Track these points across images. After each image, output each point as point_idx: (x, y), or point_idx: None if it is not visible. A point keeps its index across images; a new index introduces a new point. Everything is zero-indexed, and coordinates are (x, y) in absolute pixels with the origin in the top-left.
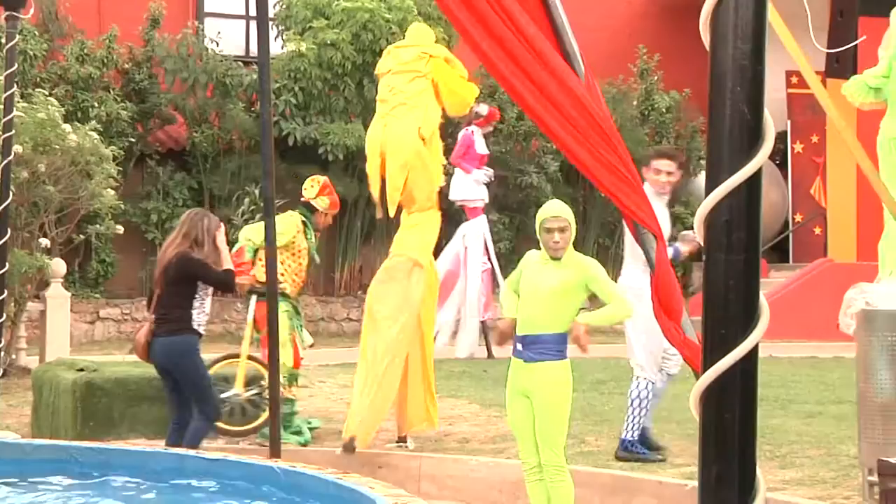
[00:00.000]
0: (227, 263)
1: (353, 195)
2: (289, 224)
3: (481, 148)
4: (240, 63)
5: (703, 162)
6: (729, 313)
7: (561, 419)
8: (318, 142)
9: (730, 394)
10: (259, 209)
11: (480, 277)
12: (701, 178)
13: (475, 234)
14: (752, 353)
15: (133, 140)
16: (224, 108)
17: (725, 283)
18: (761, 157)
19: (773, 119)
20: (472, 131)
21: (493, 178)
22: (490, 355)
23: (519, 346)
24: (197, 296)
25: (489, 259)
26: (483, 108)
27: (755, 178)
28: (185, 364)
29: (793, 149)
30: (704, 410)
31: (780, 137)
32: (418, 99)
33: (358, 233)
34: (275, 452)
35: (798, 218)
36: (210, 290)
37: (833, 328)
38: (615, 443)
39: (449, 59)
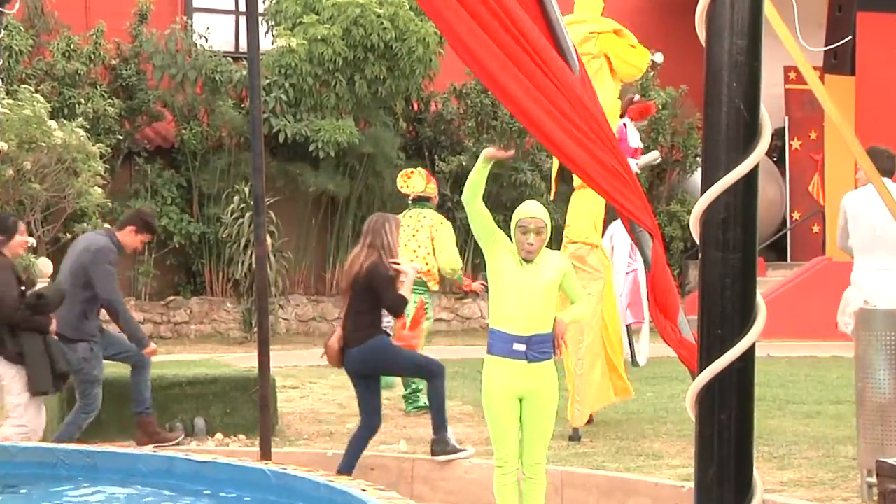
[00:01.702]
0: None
1: (345, 193)
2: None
3: (635, 141)
4: (229, 59)
5: (699, 159)
6: (725, 312)
7: (554, 417)
8: (308, 138)
9: (726, 394)
10: (249, 207)
11: (626, 280)
12: (697, 176)
13: (624, 233)
14: (749, 353)
15: (121, 137)
16: (213, 104)
17: (722, 281)
18: (758, 154)
19: (771, 115)
20: (625, 124)
21: (657, 161)
22: (634, 361)
23: (520, 347)
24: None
25: (635, 259)
26: (658, 56)
27: (752, 176)
28: (387, 363)
29: (790, 145)
30: (700, 411)
31: (778, 134)
32: (594, 81)
33: (350, 231)
34: (265, 454)
35: (796, 215)
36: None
37: (831, 327)
38: (610, 444)
39: (619, 30)
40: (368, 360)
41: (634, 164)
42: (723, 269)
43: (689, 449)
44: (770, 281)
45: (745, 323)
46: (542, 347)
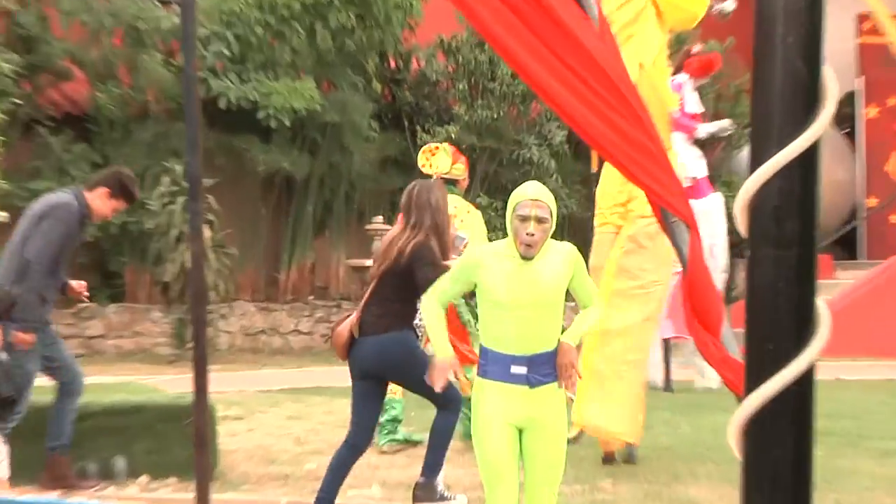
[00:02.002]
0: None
1: (303, 173)
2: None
3: (694, 103)
4: (156, 3)
5: (749, 131)
6: (778, 323)
7: (564, 452)
8: (257, 104)
9: (780, 425)
10: (182, 191)
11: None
12: (747, 152)
13: (711, 215)
14: (808, 374)
15: (18, 102)
16: (136, 60)
17: (774, 285)
18: (820, 126)
19: (839, 76)
20: (682, 82)
21: (727, 132)
22: (668, 387)
23: (521, 370)
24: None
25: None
26: (730, 3)
27: (811, 153)
28: (405, 366)
29: (865, 114)
30: (748, 447)
31: (848, 99)
32: (633, 27)
33: (310, 221)
34: (202, 501)
35: (871, 202)
36: None
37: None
38: (636, 488)
39: None
40: (384, 354)
41: (703, 131)
42: (775, 269)
43: (734, 495)
44: (838, 284)
45: (802, 336)
46: (546, 369)
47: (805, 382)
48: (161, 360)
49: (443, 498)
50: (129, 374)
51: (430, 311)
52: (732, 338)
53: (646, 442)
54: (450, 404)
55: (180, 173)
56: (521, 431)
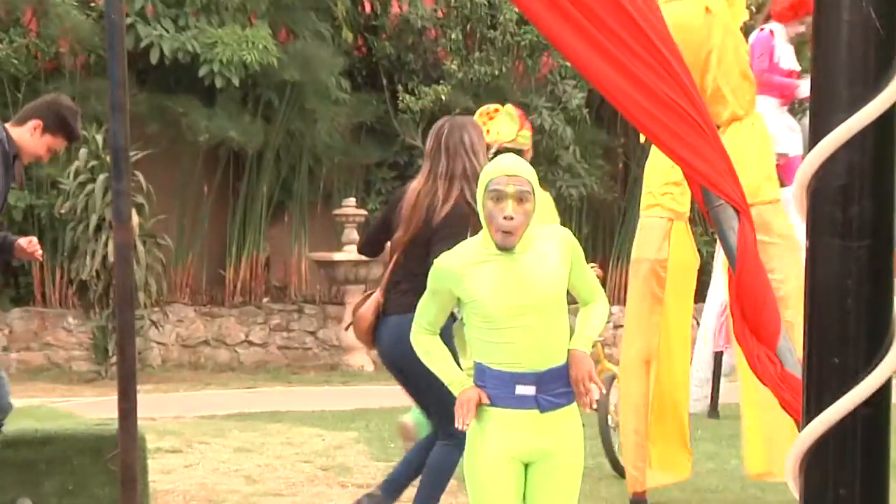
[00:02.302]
0: None
1: (256, 143)
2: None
3: (788, 59)
4: None
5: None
6: (846, 331)
7: (578, 492)
8: (198, 58)
9: (846, 457)
10: (104, 166)
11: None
12: (806, 122)
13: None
14: (883, 394)
15: None
16: (45, 2)
17: (840, 284)
18: None
19: None
20: (771, 31)
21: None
22: (714, 411)
23: (528, 390)
24: None
25: None
26: None
27: (887, 119)
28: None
29: None
30: (808, 486)
31: None
32: None
33: (264, 205)
34: None
35: None
36: None
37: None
38: None
39: None
40: (404, 340)
41: (805, 91)
42: (842, 264)
43: None
44: None
45: (876, 347)
46: (559, 387)
47: (879, 404)
48: (78, 379)
49: None
50: (37, 395)
51: (424, 345)
52: (791, 351)
53: (686, 483)
54: (456, 434)
55: (101, 144)
56: (526, 466)
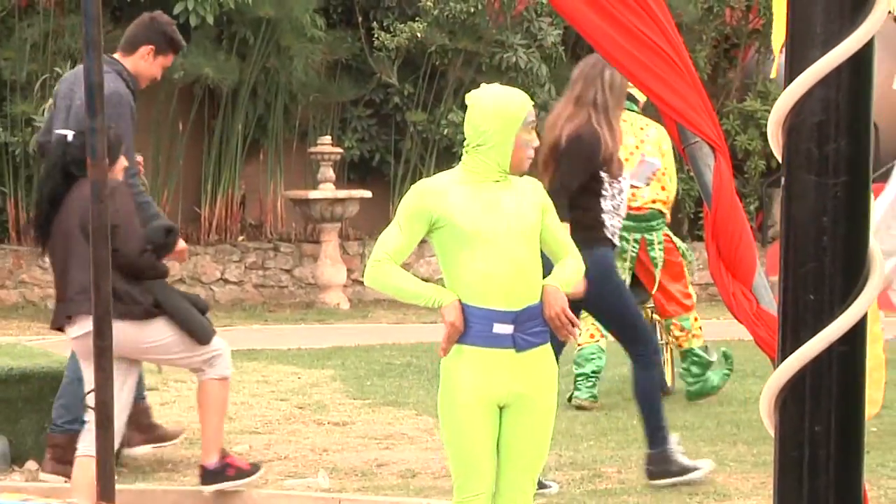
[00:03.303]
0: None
1: (231, 81)
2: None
3: None
4: None
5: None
6: (822, 268)
7: (551, 433)
8: None
9: (822, 394)
10: None
11: None
12: (782, 58)
13: None
14: (858, 332)
15: None
16: None
17: (816, 221)
18: (872, 25)
19: None
20: None
21: None
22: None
23: (505, 328)
24: (605, 190)
25: None
26: None
27: (864, 56)
28: (598, 289)
29: None
30: (783, 423)
31: None
32: None
33: (239, 142)
34: (105, 495)
35: None
36: (625, 181)
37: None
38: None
39: None
40: None
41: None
42: (818, 201)
43: (769, 483)
44: None
45: (851, 284)
46: (534, 325)
47: (854, 342)
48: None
49: (684, 468)
50: (13, 333)
51: (385, 273)
52: (767, 288)
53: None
54: (645, 349)
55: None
56: (500, 409)
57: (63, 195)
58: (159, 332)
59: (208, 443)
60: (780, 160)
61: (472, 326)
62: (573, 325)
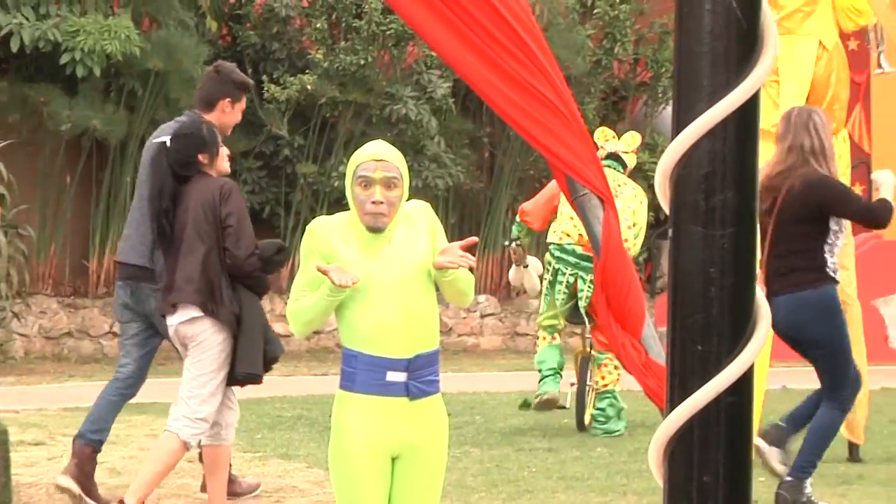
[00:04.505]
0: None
1: (120, 134)
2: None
3: None
4: None
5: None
6: (709, 319)
7: (442, 484)
8: (60, 46)
9: (710, 445)
10: None
11: None
12: (670, 110)
13: None
14: (745, 382)
15: None
16: None
17: (703, 272)
18: (758, 77)
19: None
20: None
21: None
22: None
23: (398, 376)
24: (830, 230)
25: None
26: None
27: (749, 109)
28: (821, 327)
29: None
30: (671, 471)
31: None
32: (811, 5)
33: (128, 194)
34: None
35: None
36: (845, 223)
37: (879, 343)
38: None
39: None
40: (800, 313)
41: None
42: (706, 252)
43: None
44: None
45: (739, 334)
46: (428, 373)
47: (741, 392)
48: None
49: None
50: None
51: (295, 308)
52: (656, 339)
53: (551, 469)
54: (849, 394)
55: None
56: (393, 460)
57: (178, 193)
58: (217, 343)
59: (140, 486)
60: (667, 212)
61: (365, 374)
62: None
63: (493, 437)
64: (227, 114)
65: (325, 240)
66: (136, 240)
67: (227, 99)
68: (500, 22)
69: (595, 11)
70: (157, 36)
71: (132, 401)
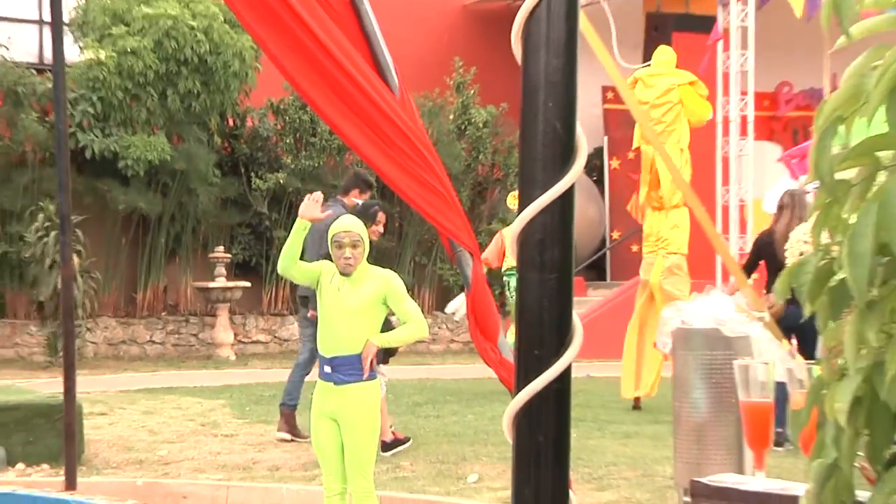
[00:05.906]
0: None
1: (157, 211)
2: None
3: None
4: (33, 70)
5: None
6: (542, 333)
7: (372, 442)
8: (118, 155)
9: (543, 415)
10: (54, 226)
11: None
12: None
13: None
14: (566, 374)
15: None
16: (16, 117)
17: (539, 302)
18: (573, 174)
19: (590, 135)
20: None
21: None
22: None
23: (327, 369)
24: None
25: None
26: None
27: (568, 195)
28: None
29: (609, 165)
30: (518, 432)
31: (597, 153)
32: (674, 124)
33: (162, 251)
34: (70, 484)
35: (615, 235)
36: None
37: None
38: (430, 467)
39: (693, 81)
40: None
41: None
42: (540, 290)
43: (509, 471)
44: (590, 301)
45: (561, 344)
46: (347, 370)
47: (563, 380)
48: (36, 367)
49: None
50: (8, 378)
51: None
52: (507, 344)
53: (437, 428)
54: None
55: (53, 211)
56: (336, 423)
57: None
58: None
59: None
60: (515, 262)
61: (320, 366)
62: (371, 367)
63: (401, 408)
64: (359, 199)
65: (325, 269)
66: None
67: (357, 189)
68: (404, 138)
69: (466, 132)
70: (182, 147)
71: (162, 384)
